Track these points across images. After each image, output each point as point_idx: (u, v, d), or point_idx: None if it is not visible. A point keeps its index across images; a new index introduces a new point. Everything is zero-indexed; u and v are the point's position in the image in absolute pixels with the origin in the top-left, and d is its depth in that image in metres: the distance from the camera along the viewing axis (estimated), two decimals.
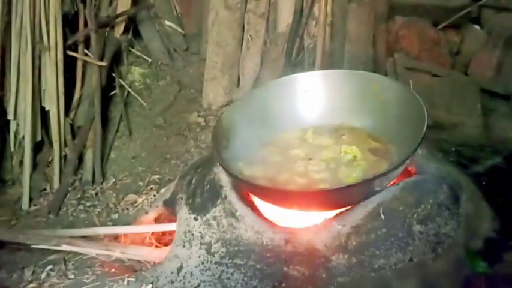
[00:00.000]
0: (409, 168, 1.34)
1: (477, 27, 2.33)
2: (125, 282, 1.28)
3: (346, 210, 1.22)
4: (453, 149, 1.64)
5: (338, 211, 1.24)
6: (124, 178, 1.92)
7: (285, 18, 2.24)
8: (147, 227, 1.49)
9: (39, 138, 1.94)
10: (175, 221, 1.41)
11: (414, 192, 1.22)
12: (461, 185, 1.32)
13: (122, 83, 2.26)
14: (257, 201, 1.32)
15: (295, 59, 2.21)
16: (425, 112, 1.24)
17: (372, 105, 1.43)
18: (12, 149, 1.93)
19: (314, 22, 2.21)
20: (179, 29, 2.49)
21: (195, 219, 1.32)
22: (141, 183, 1.86)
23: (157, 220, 1.54)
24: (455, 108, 1.96)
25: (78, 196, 1.82)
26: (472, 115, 1.94)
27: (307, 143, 1.46)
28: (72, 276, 1.34)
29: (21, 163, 1.90)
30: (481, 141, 1.83)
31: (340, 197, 1.20)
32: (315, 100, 1.52)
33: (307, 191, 1.24)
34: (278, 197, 1.25)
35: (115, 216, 1.70)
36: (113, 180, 1.91)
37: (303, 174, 1.34)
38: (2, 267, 1.45)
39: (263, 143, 1.45)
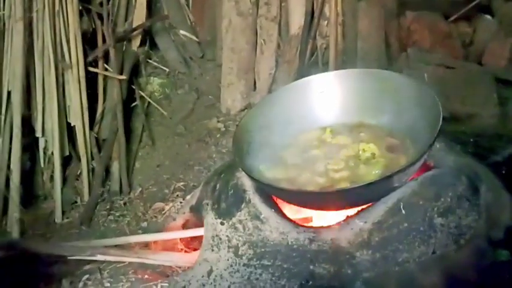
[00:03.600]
0: (427, 163, 1.36)
1: (488, 17, 2.32)
2: None
3: (367, 207, 1.26)
4: (471, 140, 1.66)
5: (359, 208, 1.27)
6: (150, 187, 1.98)
7: (297, 20, 2.28)
8: (175, 233, 1.55)
9: (67, 153, 2.02)
10: (202, 226, 1.47)
11: (433, 186, 1.24)
12: (480, 176, 1.34)
13: (142, 94, 2.32)
14: (280, 203, 1.36)
15: (309, 59, 2.24)
16: (440, 106, 1.27)
17: (387, 102, 1.45)
18: (42, 165, 2.01)
19: (326, 22, 2.24)
20: (194, 37, 2.54)
21: (222, 223, 1.37)
22: (167, 191, 1.92)
23: (184, 226, 1.59)
24: (470, 99, 1.97)
25: (108, 207, 1.89)
26: (488, 105, 1.95)
27: (325, 143, 1.49)
28: (108, 285, 1.40)
29: (51, 178, 1.98)
30: (498, 131, 1.83)
31: (361, 195, 1.23)
32: (331, 100, 1.55)
33: (327, 191, 1.27)
34: (300, 198, 1.29)
35: (144, 224, 1.77)
36: (140, 189, 1.98)
37: (323, 174, 1.37)
38: (40, 280, 1.51)
39: (282, 145, 1.48)
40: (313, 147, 1.48)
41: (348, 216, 1.27)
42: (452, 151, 1.43)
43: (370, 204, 1.26)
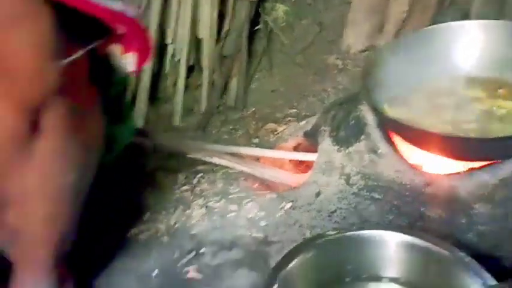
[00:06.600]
0: None
1: None
2: (267, 198, 1.40)
3: (494, 163, 1.21)
4: None
5: (484, 163, 1.23)
6: (263, 108, 2.04)
7: None
8: (287, 153, 1.60)
9: (192, 63, 2.12)
10: (314, 151, 1.50)
11: None
12: None
13: (267, 18, 2.34)
14: (400, 144, 1.35)
15: (448, 7, 2.11)
16: None
17: None
18: (167, 70, 2.13)
19: None
20: None
21: (338, 150, 1.39)
22: (279, 115, 1.96)
23: (296, 149, 1.64)
24: None
25: (223, 119, 1.99)
26: None
27: (457, 93, 1.43)
28: (221, 185, 1.49)
29: (174, 84, 2.10)
30: None
31: (491, 149, 1.19)
32: (470, 50, 1.48)
33: (457, 137, 1.24)
34: (425, 140, 1.26)
35: (256, 140, 1.84)
36: (253, 109, 2.04)
37: (449, 122, 1.33)
38: (158, 169, 1.65)
39: (410, 88, 1.45)
40: (442, 95, 1.43)
41: (471, 168, 1.23)
42: None
43: (499, 161, 1.21)
